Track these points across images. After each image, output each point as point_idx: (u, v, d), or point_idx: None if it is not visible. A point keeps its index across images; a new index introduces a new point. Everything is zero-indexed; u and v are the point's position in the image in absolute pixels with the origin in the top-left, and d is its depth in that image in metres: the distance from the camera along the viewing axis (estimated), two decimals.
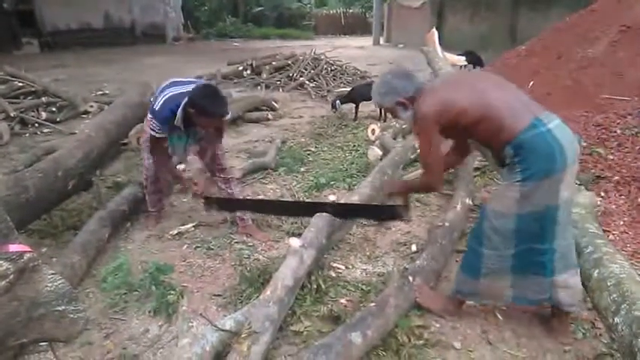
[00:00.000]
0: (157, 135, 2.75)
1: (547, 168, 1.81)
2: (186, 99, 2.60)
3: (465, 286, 2.15)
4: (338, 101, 6.38)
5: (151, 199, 3.25)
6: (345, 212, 2.85)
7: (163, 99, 2.67)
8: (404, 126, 5.33)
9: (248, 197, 3.55)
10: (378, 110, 6.24)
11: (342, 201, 3.25)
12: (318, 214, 2.73)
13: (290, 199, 3.70)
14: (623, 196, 3.21)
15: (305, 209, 3.11)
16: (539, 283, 2.02)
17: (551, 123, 1.84)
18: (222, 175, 3.09)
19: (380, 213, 2.92)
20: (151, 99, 3.00)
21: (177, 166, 3.41)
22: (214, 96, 2.59)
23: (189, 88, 2.64)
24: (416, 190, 2.11)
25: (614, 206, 3.14)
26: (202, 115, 2.58)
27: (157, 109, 2.68)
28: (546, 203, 1.87)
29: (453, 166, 2.58)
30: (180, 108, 2.64)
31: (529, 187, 1.84)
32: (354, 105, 6.41)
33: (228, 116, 2.90)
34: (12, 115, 5.70)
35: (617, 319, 1.71)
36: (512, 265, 2.01)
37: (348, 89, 7.08)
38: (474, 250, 2.06)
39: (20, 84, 6.67)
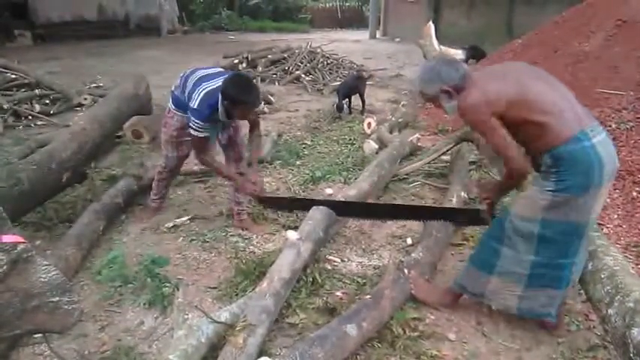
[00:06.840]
0: (201, 134, 2.65)
1: (583, 184, 1.77)
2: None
3: (473, 283, 2.12)
4: (345, 106, 6.18)
5: (159, 186, 3.22)
6: (427, 215, 2.77)
7: (199, 96, 2.59)
8: (400, 120, 5.33)
9: (306, 197, 3.45)
10: (360, 102, 6.23)
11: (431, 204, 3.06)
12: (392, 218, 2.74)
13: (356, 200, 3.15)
14: (617, 190, 3.23)
15: (379, 211, 2.97)
16: (552, 296, 1.98)
17: (596, 137, 1.78)
18: (239, 165, 3.04)
19: (464, 217, 2.78)
20: (175, 91, 2.86)
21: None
22: (246, 85, 2.57)
23: (221, 81, 2.59)
24: (510, 185, 2.00)
25: (608, 200, 3.15)
26: (236, 105, 2.55)
27: (195, 107, 2.59)
28: (576, 220, 1.83)
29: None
30: (220, 102, 2.60)
31: (561, 199, 1.80)
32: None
33: (262, 106, 2.86)
34: (5, 107, 5.63)
35: (610, 311, 1.72)
36: (528, 275, 1.96)
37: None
38: (491, 246, 2.02)
39: (13, 76, 6.55)
